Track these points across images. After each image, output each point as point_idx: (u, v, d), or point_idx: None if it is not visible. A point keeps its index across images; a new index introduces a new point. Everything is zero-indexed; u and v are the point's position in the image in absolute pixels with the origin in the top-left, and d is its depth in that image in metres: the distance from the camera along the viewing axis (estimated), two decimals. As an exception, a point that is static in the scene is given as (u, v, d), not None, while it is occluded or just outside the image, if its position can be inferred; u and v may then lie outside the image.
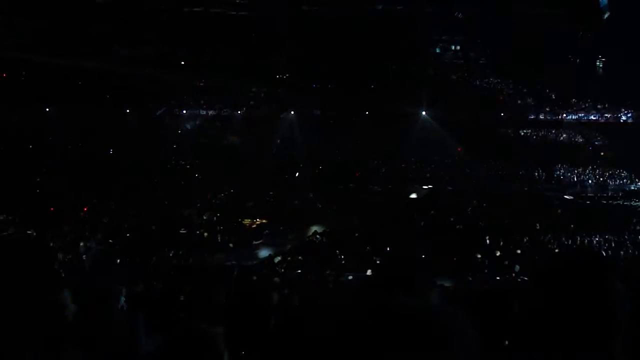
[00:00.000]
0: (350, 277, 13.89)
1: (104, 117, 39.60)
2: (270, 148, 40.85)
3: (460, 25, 36.40)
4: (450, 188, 35.34)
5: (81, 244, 18.79)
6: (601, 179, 37.81)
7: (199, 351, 1.98)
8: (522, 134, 44.99)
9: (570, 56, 39.59)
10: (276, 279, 11.88)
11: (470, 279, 15.12)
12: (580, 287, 1.09)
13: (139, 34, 36.08)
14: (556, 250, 18.95)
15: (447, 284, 10.47)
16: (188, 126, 43.58)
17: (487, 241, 21.08)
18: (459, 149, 40.74)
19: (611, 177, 38.22)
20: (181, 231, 24.34)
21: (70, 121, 38.02)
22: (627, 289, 1.09)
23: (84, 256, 17.13)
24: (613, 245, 21.00)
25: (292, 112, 44.04)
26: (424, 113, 43.29)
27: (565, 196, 34.07)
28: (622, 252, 19.89)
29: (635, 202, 31.72)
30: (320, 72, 41.52)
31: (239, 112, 44.07)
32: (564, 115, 44.82)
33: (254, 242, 23.43)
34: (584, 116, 44.50)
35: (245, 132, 41.60)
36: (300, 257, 18.92)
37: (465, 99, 41.15)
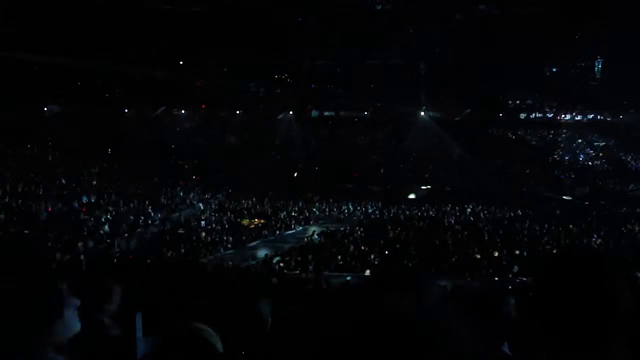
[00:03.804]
0: (349, 278, 13.85)
1: (103, 116, 39.57)
2: (270, 148, 40.85)
3: (459, 25, 36.41)
4: (448, 188, 35.32)
5: (79, 244, 18.75)
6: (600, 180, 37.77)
7: (197, 351, 1.97)
8: (521, 133, 45.03)
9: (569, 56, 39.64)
10: (274, 279, 11.84)
11: (469, 279, 15.09)
12: (579, 287, 1.09)
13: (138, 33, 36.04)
14: (555, 251, 18.94)
15: (445, 284, 10.44)
16: (188, 126, 43.55)
17: (486, 241, 21.09)
18: (455, 149, 40.78)
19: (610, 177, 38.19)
20: (179, 231, 24.32)
21: (69, 121, 37.96)
22: (627, 288, 1.08)
23: (82, 256, 17.08)
24: (612, 244, 21.00)
25: (291, 113, 44.06)
26: (422, 113, 43.34)
27: (564, 197, 34.08)
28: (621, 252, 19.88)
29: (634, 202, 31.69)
30: (319, 72, 41.58)
31: (238, 112, 44.05)
32: (564, 115, 44.85)
33: (253, 243, 23.41)
34: (583, 116, 44.54)
35: (245, 132, 41.59)
36: (298, 258, 18.88)
37: (463, 99, 41.19)
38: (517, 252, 18.73)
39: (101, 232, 20.97)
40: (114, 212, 23.93)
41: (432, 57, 39.06)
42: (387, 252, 19.10)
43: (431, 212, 29.06)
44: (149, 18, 34.41)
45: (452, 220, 26.60)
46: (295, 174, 37.98)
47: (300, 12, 36.50)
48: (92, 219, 22.23)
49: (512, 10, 35.44)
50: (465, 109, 43.14)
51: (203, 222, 26.28)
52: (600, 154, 42.12)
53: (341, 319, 0.66)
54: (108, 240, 20.29)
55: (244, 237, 23.78)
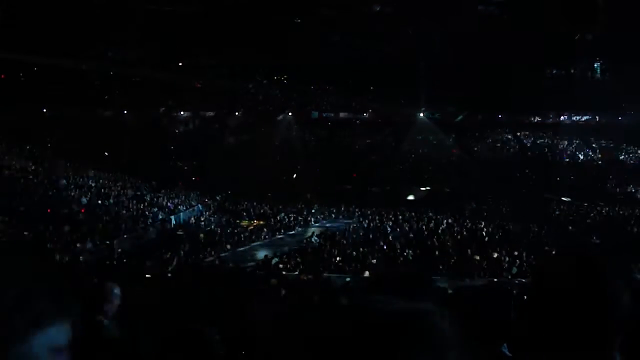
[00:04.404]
0: (348, 279, 13.86)
1: (103, 117, 39.59)
2: (269, 149, 40.86)
3: (459, 25, 36.42)
4: (447, 189, 35.31)
5: (78, 245, 18.74)
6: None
7: (197, 352, 1.97)
8: (520, 134, 45.05)
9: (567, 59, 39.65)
10: (273, 280, 11.83)
11: (468, 280, 15.11)
12: (578, 288, 1.09)
13: (137, 34, 36.03)
14: (553, 252, 18.93)
15: (444, 285, 10.45)
16: (187, 127, 43.55)
17: (485, 242, 21.09)
18: (453, 150, 40.79)
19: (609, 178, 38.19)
20: (178, 232, 24.31)
21: (69, 122, 37.96)
22: (627, 290, 1.09)
23: (81, 257, 17.08)
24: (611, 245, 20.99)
25: (290, 114, 44.09)
26: (421, 114, 43.35)
27: (563, 198, 34.07)
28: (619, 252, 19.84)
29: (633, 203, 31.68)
30: (319, 72, 41.59)
31: (238, 113, 44.07)
32: (563, 116, 44.84)
33: (252, 244, 23.39)
34: (581, 118, 44.55)
35: (244, 133, 41.61)
36: (298, 259, 18.88)
37: (462, 100, 41.20)
38: (516, 253, 18.74)
39: (100, 233, 20.95)
40: (113, 214, 23.92)
41: (432, 57, 39.00)
42: (386, 254, 19.10)
43: (430, 213, 29.05)
44: (148, 18, 34.37)
45: (451, 221, 26.60)
46: (295, 175, 37.98)
47: (300, 12, 36.51)
48: (91, 220, 22.23)
49: (512, 10, 35.43)
50: (465, 110, 43.15)
51: (202, 224, 26.27)
52: (600, 155, 42.13)
53: (340, 319, 0.67)
54: (107, 242, 20.28)
55: (243, 239, 23.76)
